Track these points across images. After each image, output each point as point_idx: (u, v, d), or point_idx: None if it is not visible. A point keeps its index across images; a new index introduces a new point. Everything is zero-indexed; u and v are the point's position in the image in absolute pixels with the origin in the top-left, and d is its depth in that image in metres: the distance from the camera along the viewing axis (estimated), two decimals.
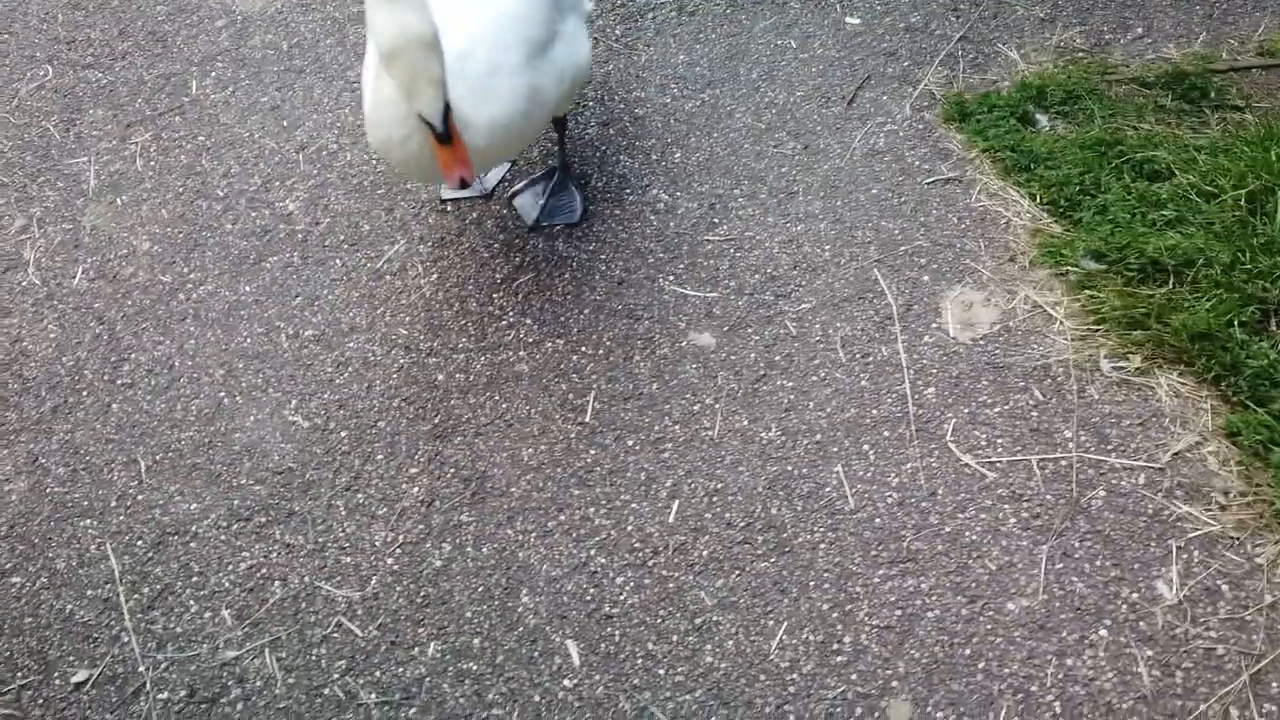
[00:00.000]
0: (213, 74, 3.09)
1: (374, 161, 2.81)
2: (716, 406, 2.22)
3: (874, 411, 2.17)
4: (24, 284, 2.67)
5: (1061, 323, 2.25)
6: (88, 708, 1.97)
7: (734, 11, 3.00)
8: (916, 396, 2.18)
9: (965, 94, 2.72)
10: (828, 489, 2.07)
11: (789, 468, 2.11)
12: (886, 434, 2.14)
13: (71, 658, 2.03)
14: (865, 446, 2.12)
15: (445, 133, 1.93)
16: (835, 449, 2.12)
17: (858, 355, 2.26)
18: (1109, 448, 2.06)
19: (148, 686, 1.98)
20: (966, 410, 2.15)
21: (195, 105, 3.02)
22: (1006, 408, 2.14)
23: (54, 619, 2.09)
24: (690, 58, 2.91)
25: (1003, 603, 1.90)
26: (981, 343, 2.24)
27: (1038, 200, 2.46)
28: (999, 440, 2.10)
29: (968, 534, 1.99)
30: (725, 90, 2.82)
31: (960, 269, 2.38)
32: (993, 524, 2.00)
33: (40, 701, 1.98)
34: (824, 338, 2.30)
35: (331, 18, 3.19)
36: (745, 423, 2.19)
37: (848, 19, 2.92)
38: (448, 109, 1.92)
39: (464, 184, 2.00)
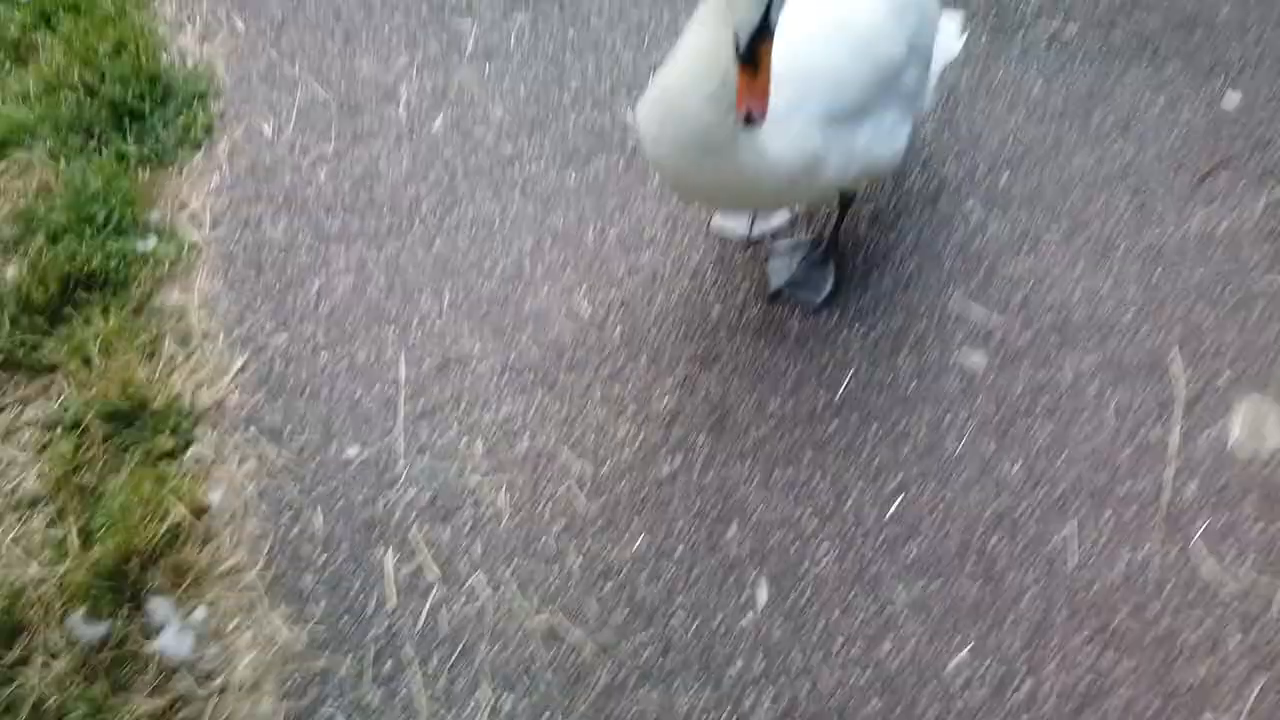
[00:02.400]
0: None
1: None
2: (968, 425, 2.25)
3: (1126, 485, 2.13)
4: (392, 115, 3.03)
5: None
6: (350, 479, 2.29)
7: (1108, 54, 2.92)
8: (1176, 487, 2.12)
9: None
10: (1053, 541, 2.07)
11: (1021, 507, 2.12)
12: (1132, 511, 2.10)
13: (349, 435, 2.36)
14: (1106, 515, 2.10)
15: (749, 53, 1.70)
16: (1074, 506, 2.11)
17: (1127, 427, 2.22)
18: None
19: (401, 480, 2.28)
20: (1224, 518, 2.08)
21: (573, 3, 3.28)
22: (1270, 530, 2.05)
23: (344, 398, 2.43)
24: (1048, 86, 2.87)
25: (1199, 713, 1.85)
26: (1265, 459, 2.14)
27: None
28: (1250, 558, 2.02)
29: (1184, 636, 1.94)
30: (1073, 128, 2.77)
31: (1265, 379, 2.27)
32: (1214, 636, 1.94)
33: (315, 461, 2.32)
34: (1098, 398, 2.26)
35: None
36: (991, 450, 2.21)
37: (1228, 93, 2.78)
38: (762, 34, 1.69)
39: (749, 120, 1.76)
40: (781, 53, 1.85)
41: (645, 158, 2.22)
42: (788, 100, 1.90)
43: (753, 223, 2.60)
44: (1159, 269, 2.46)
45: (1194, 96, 2.79)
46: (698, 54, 1.82)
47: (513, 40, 3.19)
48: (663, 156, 1.99)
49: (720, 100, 1.82)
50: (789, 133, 1.93)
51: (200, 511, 2.18)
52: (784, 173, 1.96)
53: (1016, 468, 2.18)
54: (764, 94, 1.74)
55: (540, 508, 2.22)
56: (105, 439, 2.24)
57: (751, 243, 2.59)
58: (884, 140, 2.14)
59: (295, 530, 2.20)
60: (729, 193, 2.04)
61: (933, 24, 2.24)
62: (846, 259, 2.56)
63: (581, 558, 2.14)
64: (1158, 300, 2.41)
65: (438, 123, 2.99)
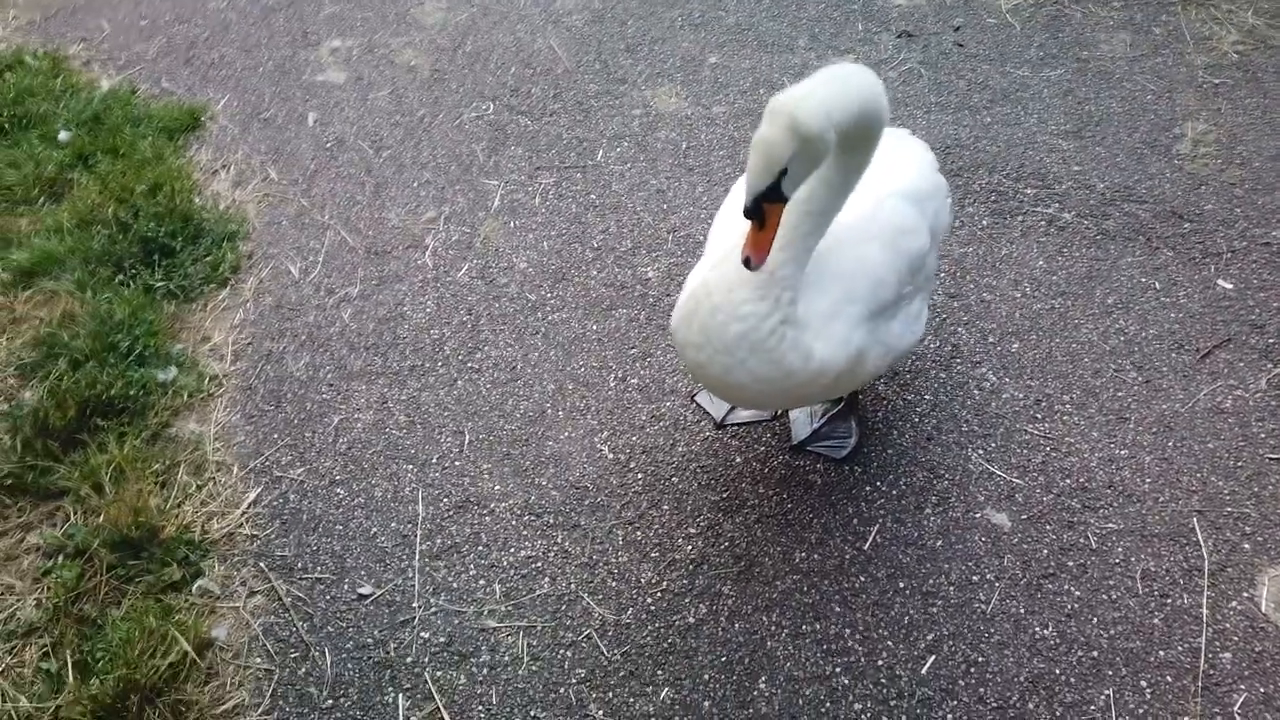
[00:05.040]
0: (617, 150, 3.54)
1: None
2: (996, 585, 2.23)
3: (1161, 653, 2.10)
4: (419, 262, 3.12)
5: None
6: (363, 618, 2.20)
7: (1103, 239, 3.10)
8: (1211, 656, 2.09)
9: None
10: (1093, 707, 2.01)
11: (1057, 671, 2.07)
12: (1169, 680, 2.05)
13: (363, 572, 2.29)
14: (1143, 683, 2.05)
15: (757, 209, 1.76)
16: (1110, 672, 2.06)
17: (1156, 593, 2.21)
18: None
19: (415, 621, 2.19)
20: (1263, 690, 2.03)
21: (595, 169, 3.46)
22: None
23: (360, 535, 2.36)
24: (1049, 266, 3.02)
25: None
26: None
27: None
28: None
29: None
30: (1076, 305, 2.90)
31: None
32: None
33: (328, 598, 2.24)
34: (1124, 563, 2.26)
35: (730, 135, 3.58)
36: (1022, 611, 2.18)
37: (1220, 281, 2.94)
38: (771, 196, 1.76)
39: (748, 264, 1.81)
40: (819, 255, 1.95)
41: (684, 364, 2.21)
42: (832, 302, 1.97)
43: (732, 410, 2.59)
44: (1171, 440, 2.52)
45: (1188, 282, 2.94)
46: (735, 257, 1.85)
47: (537, 199, 3.34)
48: (705, 361, 1.97)
49: (768, 297, 1.87)
50: (834, 334, 1.97)
51: (204, 647, 2.07)
52: (831, 372, 1.98)
53: (1049, 630, 2.14)
54: (766, 247, 1.81)
55: (560, 654, 2.13)
56: (109, 568, 2.15)
57: (720, 426, 2.58)
58: (912, 325, 2.21)
59: (302, 670, 2.09)
60: (773, 392, 2.00)
61: (946, 206, 2.36)
62: (867, 415, 2.60)
63: (604, 710, 2.04)
64: (1174, 469, 2.45)
65: (463, 270, 3.08)
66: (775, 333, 1.89)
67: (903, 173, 2.17)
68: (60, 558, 2.18)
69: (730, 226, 2.12)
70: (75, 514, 2.28)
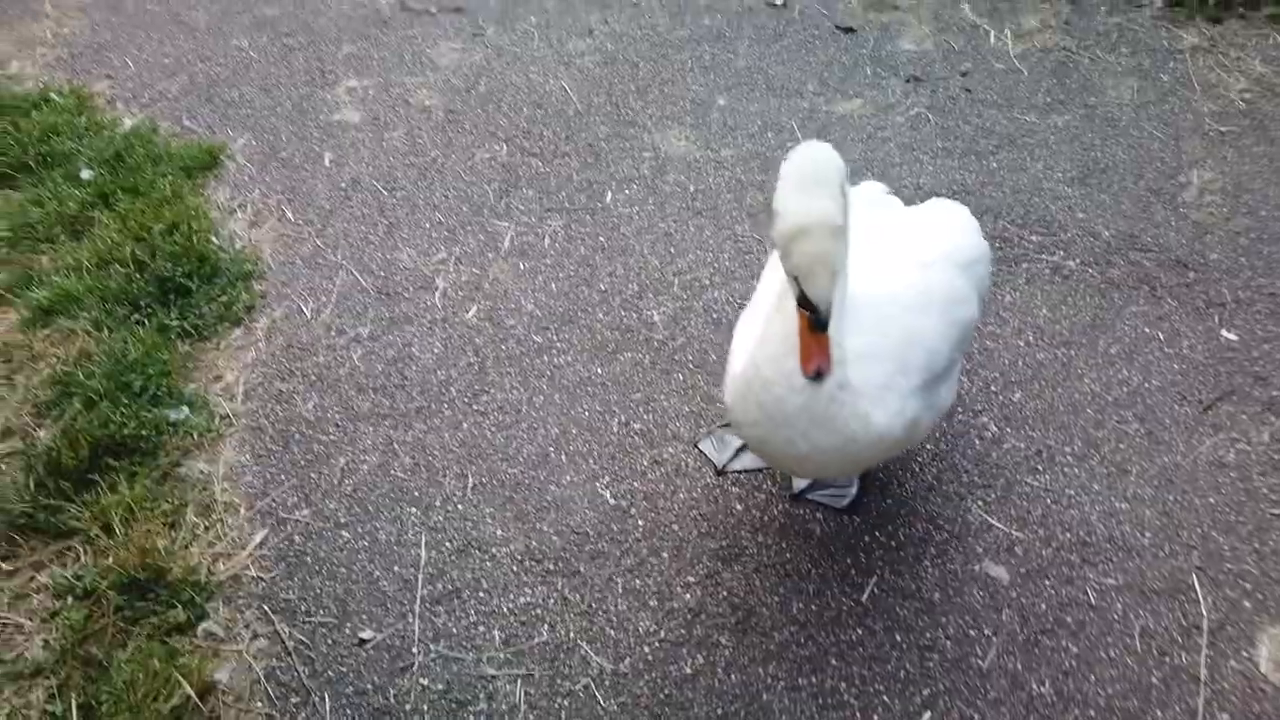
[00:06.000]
0: (626, 192, 3.58)
1: (735, 303, 3.12)
2: (994, 640, 2.23)
3: (1158, 712, 2.09)
4: (428, 303, 3.16)
5: None
6: (363, 663, 2.22)
7: (1108, 289, 3.11)
8: (1208, 718, 2.08)
9: None
10: None
11: None
12: None
13: (365, 616, 2.31)
14: None
15: (825, 320, 1.77)
16: None
17: (1154, 650, 2.20)
18: None
19: (415, 668, 2.22)
20: None
21: (604, 212, 3.51)
22: None
23: (363, 578, 2.39)
24: (1053, 314, 3.04)
25: None
26: None
27: None
28: None
29: None
30: (1079, 354, 2.91)
31: None
32: None
33: (329, 642, 2.27)
34: (1123, 620, 2.26)
35: (737, 179, 3.62)
36: (1019, 667, 2.18)
37: (1224, 332, 2.94)
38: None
39: (819, 375, 1.80)
40: (874, 325, 1.99)
41: (744, 438, 2.28)
42: (886, 373, 2.01)
43: (734, 457, 2.61)
44: (1172, 494, 2.52)
45: (1191, 332, 2.95)
46: (790, 330, 1.86)
47: (546, 241, 3.38)
48: (766, 436, 2.01)
49: (795, 389, 1.89)
50: (892, 404, 2.01)
51: (207, 691, 2.10)
52: (890, 439, 2.02)
53: (1046, 687, 2.14)
54: (828, 350, 1.81)
55: (558, 703, 2.15)
56: (117, 610, 2.19)
57: (721, 473, 2.60)
58: (953, 386, 2.24)
59: (302, 716, 2.12)
60: (838, 460, 2.04)
61: (988, 271, 2.38)
62: None
63: None
64: (1174, 524, 2.45)
65: (471, 312, 3.12)
66: (835, 400, 1.91)
67: (949, 238, 2.24)
68: (69, 598, 2.22)
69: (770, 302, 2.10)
70: (85, 554, 2.32)
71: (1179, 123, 3.71)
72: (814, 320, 1.77)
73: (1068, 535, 2.43)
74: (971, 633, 2.25)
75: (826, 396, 1.91)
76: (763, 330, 2.01)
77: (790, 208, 1.77)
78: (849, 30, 4.35)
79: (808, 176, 1.79)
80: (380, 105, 4.00)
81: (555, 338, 3.03)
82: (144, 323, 2.98)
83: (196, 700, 2.08)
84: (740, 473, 2.59)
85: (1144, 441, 2.66)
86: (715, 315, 3.09)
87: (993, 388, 2.82)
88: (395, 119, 3.93)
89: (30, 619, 2.19)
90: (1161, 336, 2.95)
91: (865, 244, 2.06)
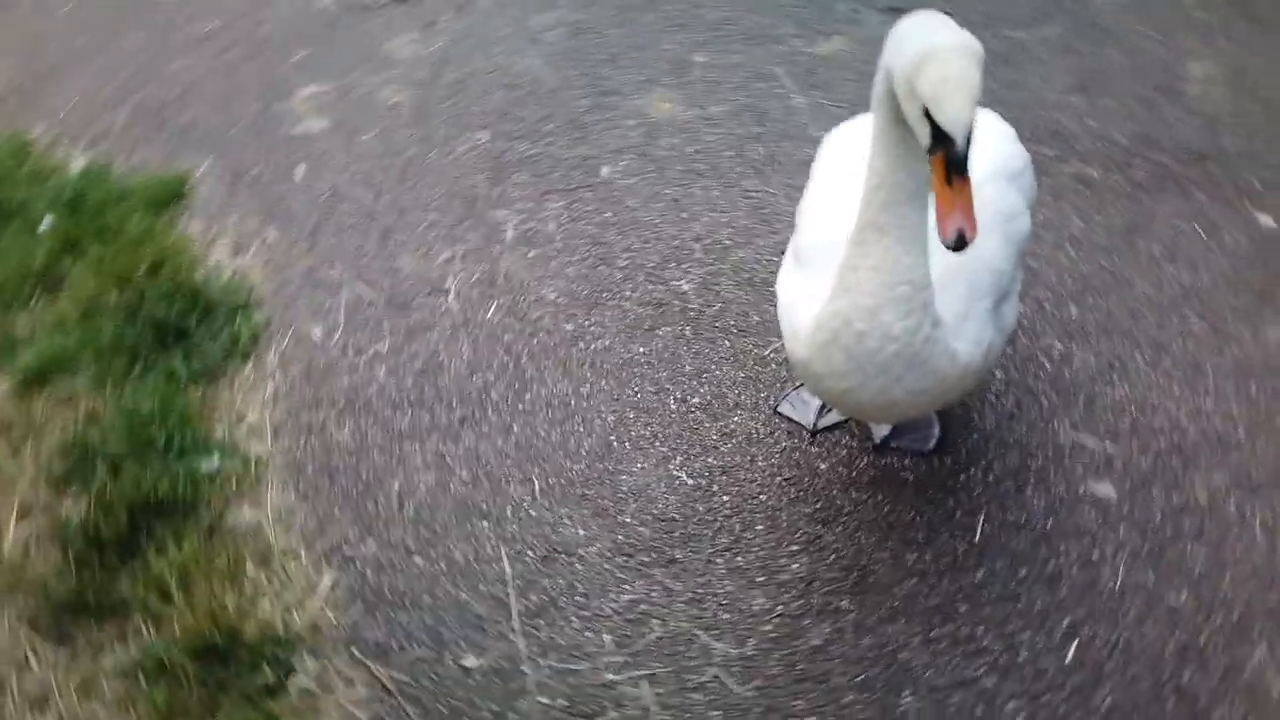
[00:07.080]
0: (622, 163, 3.43)
1: (764, 261, 3.00)
2: (1119, 558, 2.17)
3: None
4: (444, 307, 2.99)
5: None
6: (474, 692, 2.08)
7: (1135, 191, 3.06)
8: None
9: None
10: (1247, 670, 1.95)
11: (1202, 637, 2.01)
12: None
13: (462, 642, 2.16)
14: None
15: (964, 154, 1.55)
16: (1258, 631, 2.01)
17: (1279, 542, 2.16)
18: None
19: (529, 687, 2.07)
20: None
21: (604, 186, 3.35)
22: None
23: (449, 603, 2.24)
24: (1087, 225, 2.98)
25: None
26: None
27: None
28: None
29: None
30: (1123, 260, 2.85)
31: None
32: None
33: (432, 676, 2.11)
34: (1240, 516, 2.21)
35: (733, 134, 3.49)
36: (1151, 581, 2.12)
37: (1260, 216, 2.91)
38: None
39: (961, 241, 1.59)
40: (938, 252, 1.79)
41: (819, 394, 2.18)
42: (961, 301, 1.90)
43: (820, 414, 2.48)
44: (1253, 384, 2.48)
45: (1229, 224, 2.91)
46: (878, 270, 1.75)
47: (551, 225, 3.22)
48: (855, 387, 1.89)
49: (915, 308, 1.78)
50: (969, 333, 1.91)
51: None
52: (973, 371, 1.94)
53: (1184, 596, 2.08)
54: (971, 203, 1.59)
55: (689, 699, 2.03)
56: (199, 681, 2.01)
57: (814, 433, 2.48)
58: (1015, 305, 2.14)
59: None
60: (925, 402, 1.96)
61: (1032, 177, 2.26)
62: None
63: None
64: (1263, 412, 2.42)
65: (491, 310, 2.95)
66: (929, 340, 1.81)
67: (992, 151, 2.09)
68: (141, 679, 2.02)
69: (829, 225, 1.98)
70: (147, 627, 2.13)
71: (1167, 18, 3.68)
72: (951, 158, 1.54)
73: (1162, 441, 2.38)
74: (1094, 555, 2.18)
75: (921, 339, 1.80)
76: (839, 278, 1.85)
77: (917, 33, 1.59)
78: None
79: (932, 20, 1.64)
80: (344, 109, 3.78)
81: (586, 323, 2.89)
82: (148, 372, 2.75)
83: None
84: (830, 429, 2.48)
85: (1211, 337, 2.61)
86: (746, 275, 2.96)
87: (1047, 306, 2.75)
88: (363, 121, 3.71)
89: (105, 708, 1.99)
90: (1200, 231, 2.91)
91: None
